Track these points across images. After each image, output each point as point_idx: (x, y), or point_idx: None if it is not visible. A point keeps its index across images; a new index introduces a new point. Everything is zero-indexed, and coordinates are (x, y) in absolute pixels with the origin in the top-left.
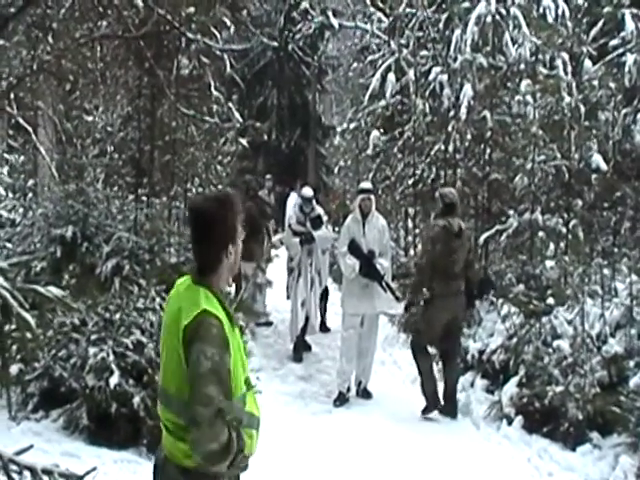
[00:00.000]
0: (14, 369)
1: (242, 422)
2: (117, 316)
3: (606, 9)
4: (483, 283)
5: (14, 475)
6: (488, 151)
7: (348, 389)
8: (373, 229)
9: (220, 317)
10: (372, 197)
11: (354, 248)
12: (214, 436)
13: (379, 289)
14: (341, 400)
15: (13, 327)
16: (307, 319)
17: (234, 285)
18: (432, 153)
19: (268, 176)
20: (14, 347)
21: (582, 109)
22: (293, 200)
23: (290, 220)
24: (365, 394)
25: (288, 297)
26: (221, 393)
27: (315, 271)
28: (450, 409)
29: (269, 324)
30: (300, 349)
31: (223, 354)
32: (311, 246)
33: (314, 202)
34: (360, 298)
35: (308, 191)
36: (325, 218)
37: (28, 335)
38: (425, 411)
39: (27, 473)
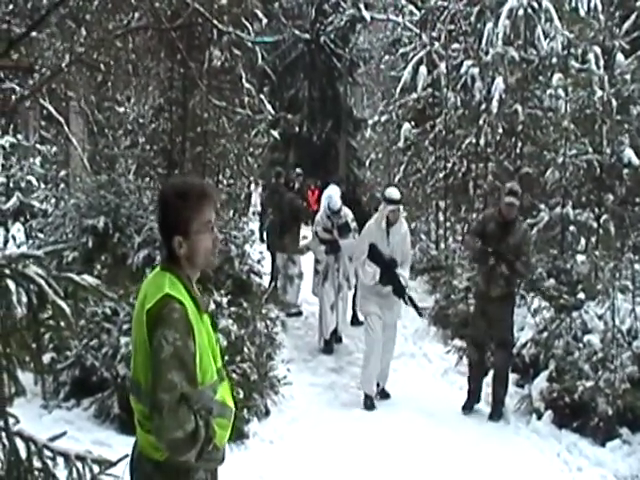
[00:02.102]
0: (46, 358)
1: (212, 411)
2: None
3: (639, 2)
4: None
5: (47, 461)
6: (519, 145)
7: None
8: (396, 237)
9: (184, 302)
10: (401, 208)
11: (375, 254)
12: (178, 423)
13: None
14: (371, 403)
15: (48, 315)
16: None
17: (269, 276)
18: (463, 146)
19: (298, 170)
20: (46, 336)
21: (614, 103)
22: (330, 191)
23: (317, 227)
24: (384, 395)
25: (314, 293)
26: (184, 379)
27: (343, 277)
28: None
29: (299, 314)
30: (332, 343)
31: (186, 339)
32: (338, 254)
33: (343, 209)
34: (381, 307)
35: (336, 203)
36: (354, 225)
37: (62, 323)
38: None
39: (60, 460)
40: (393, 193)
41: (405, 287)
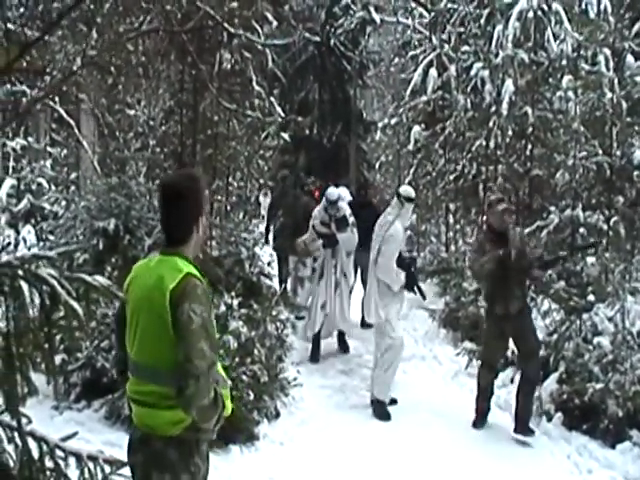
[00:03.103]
0: (57, 359)
1: (218, 382)
2: None
3: None
4: None
5: (60, 461)
6: (529, 147)
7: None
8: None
9: (201, 279)
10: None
11: (402, 261)
12: (207, 391)
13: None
14: (387, 413)
15: (60, 315)
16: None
17: (278, 278)
18: (473, 149)
19: (311, 178)
20: (57, 337)
21: (624, 105)
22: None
23: (314, 220)
24: (392, 401)
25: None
26: (210, 348)
27: (340, 273)
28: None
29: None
30: (317, 350)
31: (209, 312)
32: (335, 248)
33: (340, 203)
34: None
35: (333, 193)
36: (352, 219)
37: (75, 324)
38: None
39: (72, 460)
40: (412, 191)
41: (417, 279)
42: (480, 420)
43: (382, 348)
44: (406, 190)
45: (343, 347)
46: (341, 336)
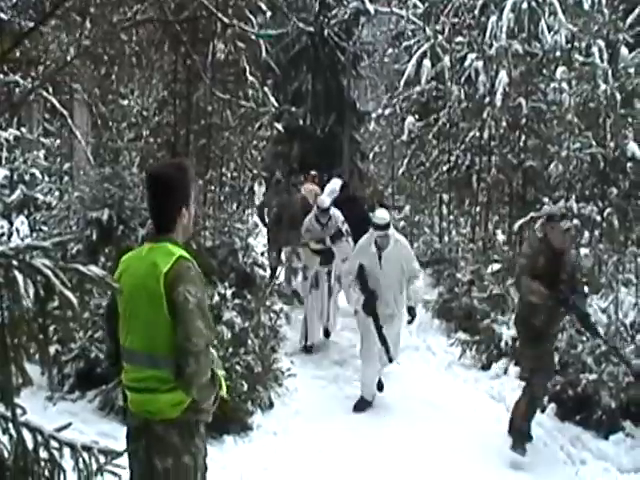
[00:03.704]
0: (51, 350)
1: (214, 362)
2: None
3: None
4: None
5: (54, 451)
6: (523, 138)
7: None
8: (391, 259)
9: (193, 262)
10: (389, 233)
11: (361, 278)
12: (207, 369)
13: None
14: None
15: (55, 305)
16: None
17: (270, 268)
18: (467, 140)
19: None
20: (51, 327)
21: (618, 97)
22: (331, 186)
23: (305, 235)
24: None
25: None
26: (205, 327)
27: (335, 279)
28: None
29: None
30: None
31: (203, 292)
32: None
33: (332, 211)
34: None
35: (324, 201)
36: (345, 227)
37: (69, 314)
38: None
39: (67, 450)
40: (379, 218)
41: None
42: (523, 443)
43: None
44: (376, 215)
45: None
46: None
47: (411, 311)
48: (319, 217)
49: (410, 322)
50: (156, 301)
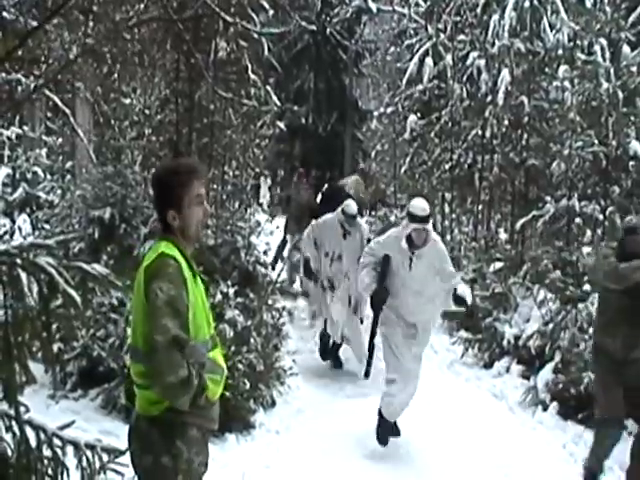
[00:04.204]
0: (54, 348)
1: (204, 366)
2: None
3: None
4: None
5: (57, 449)
6: (525, 137)
7: None
8: (424, 262)
9: (178, 260)
10: (429, 227)
11: (383, 269)
12: (172, 367)
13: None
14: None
15: (58, 304)
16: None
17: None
18: (469, 138)
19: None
20: (54, 326)
21: (620, 95)
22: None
23: (306, 245)
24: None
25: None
26: (177, 326)
27: (354, 291)
28: None
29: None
30: (338, 357)
31: (180, 290)
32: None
33: (358, 219)
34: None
35: (351, 206)
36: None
37: (73, 312)
38: None
39: (70, 448)
40: (418, 208)
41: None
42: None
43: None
44: (413, 204)
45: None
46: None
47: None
48: (345, 224)
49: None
50: (139, 296)
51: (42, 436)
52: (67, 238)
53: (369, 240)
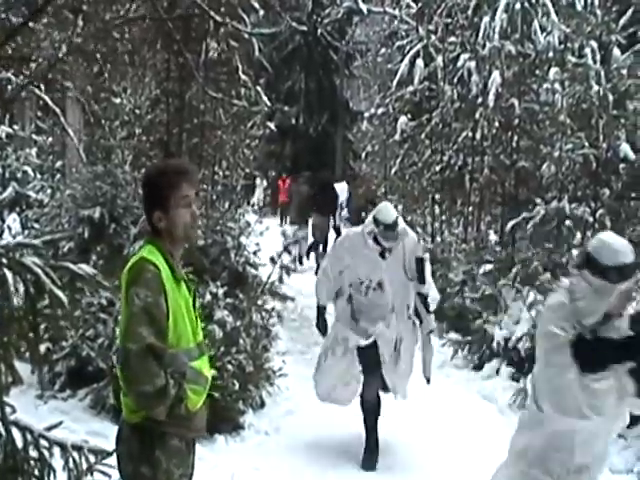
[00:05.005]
0: (42, 348)
1: (185, 375)
2: None
3: None
4: None
5: (44, 450)
6: (516, 139)
7: None
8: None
9: (159, 266)
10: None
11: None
12: (147, 376)
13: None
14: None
15: (45, 304)
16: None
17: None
18: (460, 140)
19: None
20: (42, 326)
21: (610, 98)
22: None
23: (322, 284)
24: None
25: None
26: (153, 334)
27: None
28: None
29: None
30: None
31: (157, 297)
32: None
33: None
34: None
35: (389, 212)
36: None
37: (60, 313)
38: None
39: (57, 449)
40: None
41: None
42: None
43: None
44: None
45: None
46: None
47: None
48: (380, 238)
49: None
50: (122, 299)
51: (28, 437)
52: (54, 238)
53: (421, 260)
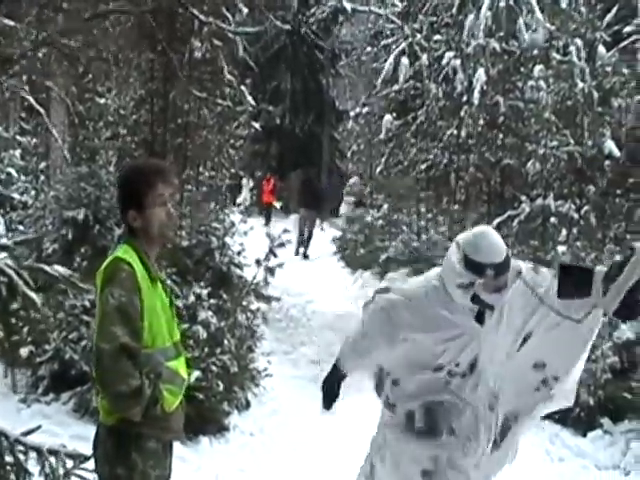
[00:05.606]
0: (24, 351)
1: (160, 375)
2: None
3: None
4: None
5: (20, 455)
6: (501, 136)
7: None
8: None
9: (133, 265)
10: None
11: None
12: (121, 377)
13: None
14: None
15: (19, 306)
16: None
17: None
18: (445, 138)
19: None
20: (25, 329)
21: (595, 95)
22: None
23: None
24: None
25: None
26: (127, 334)
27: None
28: None
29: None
30: None
31: (132, 297)
32: None
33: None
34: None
35: (496, 243)
36: None
37: (34, 315)
38: None
39: (33, 454)
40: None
41: None
42: None
43: None
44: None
45: None
46: None
47: None
48: (485, 292)
49: None
50: (97, 299)
51: (4, 442)
52: (27, 238)
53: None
